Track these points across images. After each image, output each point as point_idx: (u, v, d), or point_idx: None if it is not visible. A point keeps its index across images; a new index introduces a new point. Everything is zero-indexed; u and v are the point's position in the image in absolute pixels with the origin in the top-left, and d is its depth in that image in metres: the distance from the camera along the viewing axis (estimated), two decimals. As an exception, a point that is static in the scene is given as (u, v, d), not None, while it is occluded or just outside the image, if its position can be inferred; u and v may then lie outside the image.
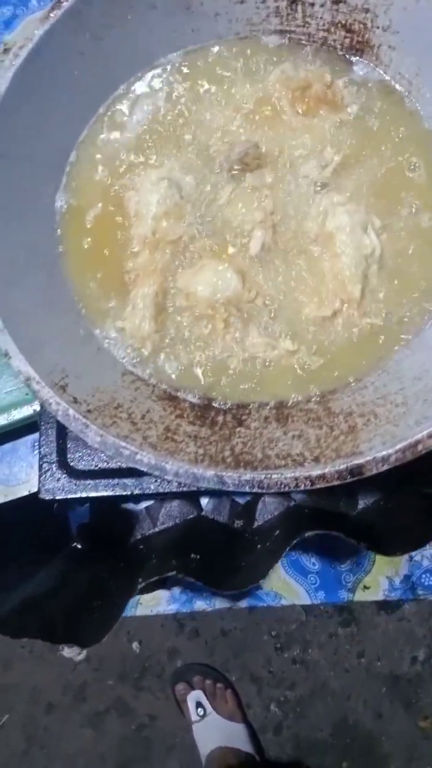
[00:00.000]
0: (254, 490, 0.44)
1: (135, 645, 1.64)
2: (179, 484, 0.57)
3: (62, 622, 0.48)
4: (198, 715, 1.50)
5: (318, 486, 0.43)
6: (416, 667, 1.58)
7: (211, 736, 1.49)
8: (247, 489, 0.44)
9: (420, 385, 0.48)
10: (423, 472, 0.53)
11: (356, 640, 1.61)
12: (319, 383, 0.52)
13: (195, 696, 1.53)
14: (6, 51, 0.91)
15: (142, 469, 0.45)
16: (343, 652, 1.60)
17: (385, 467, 0.43)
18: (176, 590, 0.71)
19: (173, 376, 0.54)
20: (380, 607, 1.62)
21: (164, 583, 0.69)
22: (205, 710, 1.50)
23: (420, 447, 0.42)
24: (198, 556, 0.51)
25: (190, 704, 1.52)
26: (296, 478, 0.43)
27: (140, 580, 0.47)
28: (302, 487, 0.43)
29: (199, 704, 1.51)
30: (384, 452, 0.43)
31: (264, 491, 0.44)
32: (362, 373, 0.52)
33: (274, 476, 0.44)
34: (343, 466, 0.43)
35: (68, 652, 1.64)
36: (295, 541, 0.47)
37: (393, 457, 0.43)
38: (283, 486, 0.43)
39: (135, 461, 0.45)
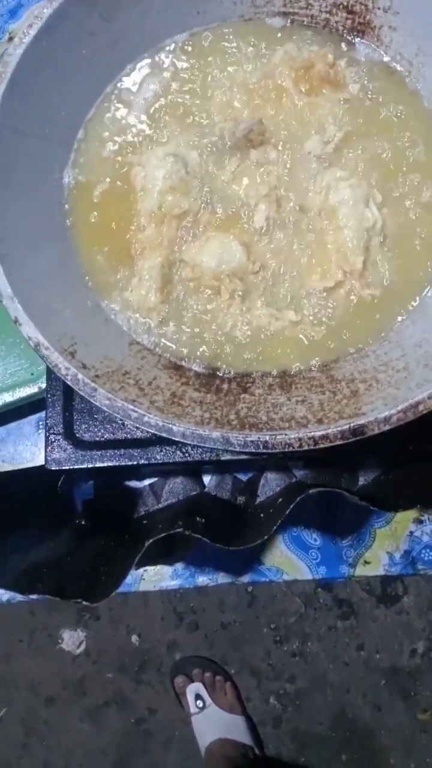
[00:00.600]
0: (259, 450, 0.45)
1: (134, 638, 1.65)
2: (184, 453, 0.58)
3: (72, 581, 0.48)
4: (197, 707, 1.51)
5: (321, 446, 0.44)
6: (415, 659, 1.59)
7: (211, 727, 1.49)
8: (252, 449, 0.45)
9: (420, 352, 0.49)
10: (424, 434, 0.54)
11: (355, 632, 1.61)
12: (322, 352, 0.54)
13: (194, 688, 1.53)
14: (11, 39, 0.93)
15: (149, 430, 0.46)
16: (342, 644, 1.61)
17: (387, 427, 0.44)
18: (179, 566, 0.72)
19: (178, 346, 0.55)
20: (379, 600, 1.63)
21: (170, 555, 0.69)
22: (204, 702, 1.51)
23: (421, 407, 0.44)
24: (203, 520, 0.52)
25: (190, 696, 1.53)
26: (300, 438, 0.44)
27: (147, 541, 0.48)
28: (306, 447, 0.44)
29: (198, 696, 1.52)
30: (386, 413, 0.44)
31: (269, 451, 0.45)
32: (364, 342, 0.54)
33: (278, 437, 0.45)
34: (345, 427, 0.44)
35: (67, 644, 1.65)
36: (300, 498, 0.48)
37: (395, 417, 0.44)
38: (287, 446, 0.44)
39: (143, 423, 0.46)
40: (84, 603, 0.44)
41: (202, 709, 1.51)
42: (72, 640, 1.66)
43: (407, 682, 1.58)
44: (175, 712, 1.59)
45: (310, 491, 0.48)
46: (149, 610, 1.66)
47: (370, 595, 1.63)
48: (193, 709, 1.52)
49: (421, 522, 0.71)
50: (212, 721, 1.50)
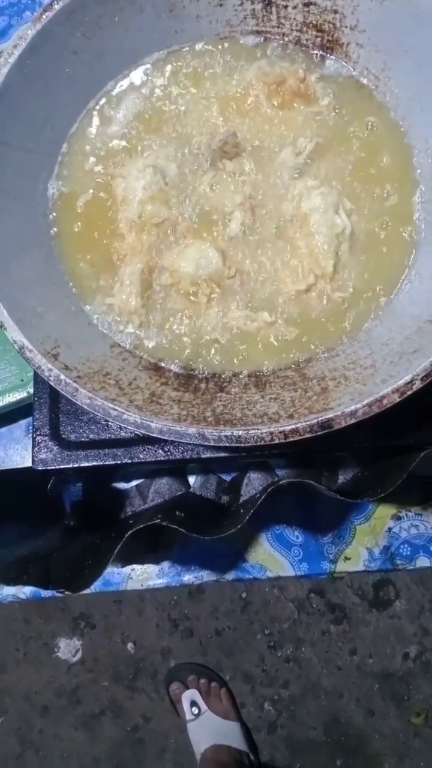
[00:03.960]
0: (233, 444, 0.47)
1: (129, 645, 1.65)
2: (166, 452, 0.60)
3: (57, 572, 0.50)
4: (192, 713, 1.52)
5: (291, 439, 0.46)
6: (408, 663, 1.60)
7: (206, 734, 1.50)
8: (226, 443, 0.47)
9: (387, 350, 0.51)
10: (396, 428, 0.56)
11: (348, 637, 1.63)
12: (295, 352, 0.56)
13: (189, 695, 1.54)
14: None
15: (128, 427, 0.48)
16: (335, 649, 1.62)
17: (353, 420, 0.46)
18: (165, 565, 0.73)
19: (158, 348, 0.57)
20: (371, 605, 1.64)
21: (154, 551, 0.71)
22: (199, 709, 1.52)
23: (385, 401, 0.46)
24: (182, 514, 0.54)
25: (185, 703, 1.54)
26: (271, 432, 0.46)
27: (127, 533, 0.50)
28: (276, 441, 0.46)
29: (193, 703, 1.53)
30: (352, 407, 0.46)
31: (242, 445, 0.47)
32: (335, 341, 0.56)
33: (251, 431, 0.47)
34: (314, 421, 0.46)
35: (63, 653, 1.66)
36: (270, 488, 0.50)
37: (360, 411, 0.46)
38: (259, 440, 0.47)
39: (122, 420, 0.48)
40: (66, 592, 0.46)
41: (197, 715, 1.52)
42: (68, 648, 1.66)
43: (400, 686, 1.59)
44: (169, 719, 1.60)
45: (281, 482, 0.50)
46: (144, 618, 1.67)
47: (362, 600, 1.64)
48: (188, 716, 1.52)
49: (399, 518, 0.73)
50: (207, 728, 1.51)
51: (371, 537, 0.72)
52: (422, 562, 0.71)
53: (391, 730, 1.57)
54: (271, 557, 0.73)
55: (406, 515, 0.73)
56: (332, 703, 1.60)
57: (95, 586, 0.73)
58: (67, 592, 0.46)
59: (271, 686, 1.61)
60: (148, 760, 1.59)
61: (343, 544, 0.72)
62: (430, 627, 1.62)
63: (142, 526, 0.50)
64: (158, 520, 0.50)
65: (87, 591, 0.53)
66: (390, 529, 0.72)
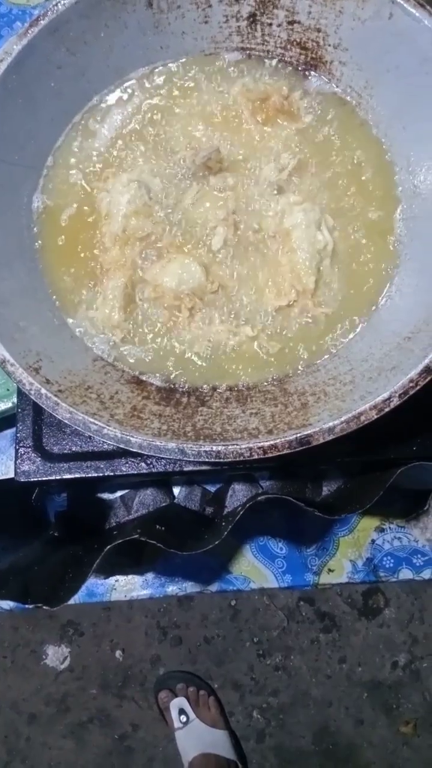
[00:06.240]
0: (212, 459, 0.47)
1: (118, 653, 1.65)
2: (148, 464, 0.60)
3: (37, 587, 0.50)
4: (181, 722, 1.51)
5: (270, 455, 0.47)
6: (397, 672, 1.60)
7: (194, 742, 1.49)
8: (205, 458, 0.47)
9: (366, 366, 0.52)
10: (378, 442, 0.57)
11: (337, 646, 1.63)
12: (277, 367, 0.56)
13: (178, 703, 1.54)
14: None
15: (109, 442, 0.48)
16: (324, 658, 1.62)
17: (331, 437, 0.46)
18: (150, 575, 0.73)
19: (140, 361, 0.58)
20: (361, 613, 1.64)
21: (138, 564, 0.71)
22: (187, 717, 1.51)
23: (363, 418, 0.46)
24: (163, 528, 0.54)
25: (173, 711, 1.53)
26: (250, 448, 0.47)
27: (105, 548, 0.50)
28: (255, 456, 0.47)
29: (182, 711, 1.52)
30: (330, 423, 0.46)
31: (221, 460, 0.47)
32: (316, 357, 0.57)
33: (230, 447, 0.47)
34: (293, 437, 0.47)
35: (51, 660, 1.65)
36: (248, 504, 0.50)
37: (338, 427, 0.46)
38: (238, 455, 0.47)
39: (102, 435, 0.48)
40: (44, 607, 0.46)
41: (185, 723, 1.51)
42: (56, 655, 1.66)
43: (389, 695, 1.59)
44: (158, 728, 1.59)
45: (260, 498, 0.51)
46: (133, 625, 1.66)
47: (351, 608, 1.65)
48: (176, 724, 1.52)
49: (382, 530, 0.73)
50: (195, 736, 1.50)
51: (355, 549, 0.72)
52: (405, 574, 0.71)
53: (381, 739, 1.57)
54: (255, 569, 0.73)
55: (390, 527, 0.73)
56: (321, 711, 1.60)
57: (79, 598, 0.73)
58: (45, 607, 0.46)
59: (260, 695, 1.61)
60: (137, 768, 1.59)
61: (327, 556, 0.72)
62: (420, 635, 1.63)
63: (120, 541, 0.50)
64: (137, 536, 0.50)
65: (72, 601, 0.54)
66: (373, 541, 0.73)
